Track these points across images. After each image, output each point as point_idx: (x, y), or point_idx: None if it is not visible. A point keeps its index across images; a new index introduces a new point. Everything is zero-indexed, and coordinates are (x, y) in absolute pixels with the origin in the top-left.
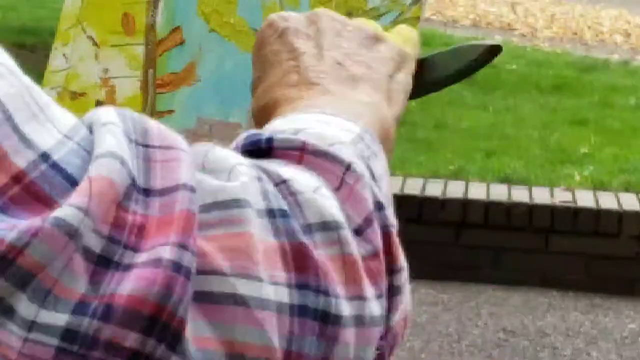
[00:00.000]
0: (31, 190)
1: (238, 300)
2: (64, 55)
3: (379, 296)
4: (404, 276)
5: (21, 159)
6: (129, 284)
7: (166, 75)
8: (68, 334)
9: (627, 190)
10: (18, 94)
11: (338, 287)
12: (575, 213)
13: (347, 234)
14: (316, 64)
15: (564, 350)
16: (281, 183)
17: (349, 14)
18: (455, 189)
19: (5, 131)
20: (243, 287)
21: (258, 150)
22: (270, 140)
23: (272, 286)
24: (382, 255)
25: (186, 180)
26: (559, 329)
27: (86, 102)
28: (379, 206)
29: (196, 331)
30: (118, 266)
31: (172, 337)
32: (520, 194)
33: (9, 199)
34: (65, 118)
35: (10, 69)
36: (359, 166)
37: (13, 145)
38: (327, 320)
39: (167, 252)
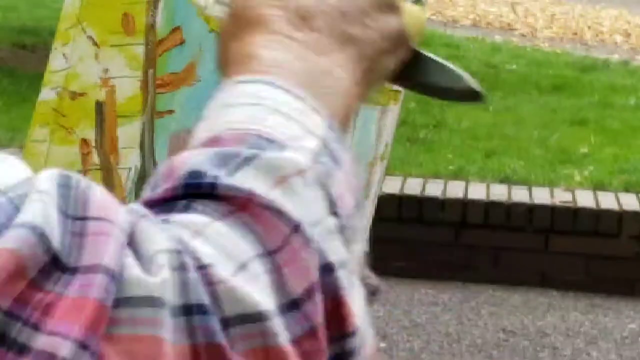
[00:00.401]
0: None
1: None
2: (64, 55)
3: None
4: (358, 338)
5: None
6: None
7: (166, 75)
8: None
9: (627, 190)
10: None
11: None
12: (575, 213)
13: (273, 323)
14: None
15: (564, 350)
16: (202, 268)
17: None
18: (455, 189)
19: None
20: None
21: (198, 193)
22: (214, 186)
23: None
24: (321, 331)
25: (109, 263)
26: (559, 329)
27: (86, 102)
28: (329, 268)
29: None
30: (14, 344)
31: None
32: (520, 194)
33: None
34: (11, 173)
35: None
36: (308, 229)
37: None
38: None
39: (64, 349)
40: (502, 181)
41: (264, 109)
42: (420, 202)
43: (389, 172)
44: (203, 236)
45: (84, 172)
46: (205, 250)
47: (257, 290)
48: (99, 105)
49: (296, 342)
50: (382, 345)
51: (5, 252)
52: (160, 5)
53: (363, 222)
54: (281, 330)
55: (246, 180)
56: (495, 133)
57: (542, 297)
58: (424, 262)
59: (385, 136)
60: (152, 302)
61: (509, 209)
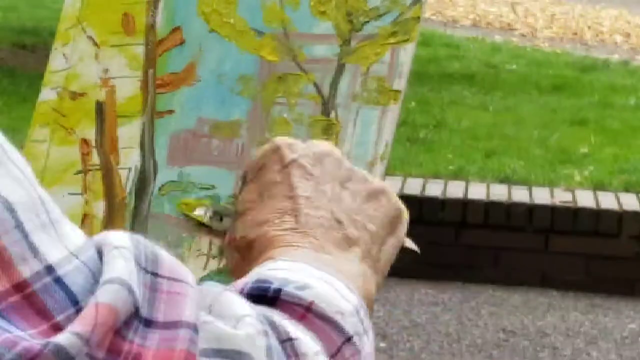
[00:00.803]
0: (32, 301)
1: None
2: (64, 55)
3: None
4: None
5: (26, 268)
6: None
7: (166, 75)
8: None
9: (627, 190)
10: (32, 203)
11: None
12: (575, 213)
13: None
14: (314, 213)
15: (564, 350)
16: (287, 340)
17: (349, 14)
18: (455, 189)
19: (15, 237)
20: None
21: (264, 297)
22: (278, 291)
23: None
24: None
25: (189, 318)
26: (559, 329)
27: (86, 102)
28: None
29: None
30: None
31: None
32: (520, 194)
33: (8, 306)
34: (74, 236)
35: (28, 176)
36: (358, 341)
37: (20, 252)
38: None
39: None
40: (502, 181)
41: (314, 273)
42: (420, 202)
43: (389, 172)
44: (280, 317)
45: (84, 172)
46: (289, 327)
47: None
48: (99, 105)
49: None
50: (382, 345)
51: (106, 307)
52: (160, 5)
53: None
54: None
55: (307, 295)
56: (495, 133)
57: (542, 297)
58: (424, 262)
59: (385, 136)
60: (240, 355)
61: (509, 209)
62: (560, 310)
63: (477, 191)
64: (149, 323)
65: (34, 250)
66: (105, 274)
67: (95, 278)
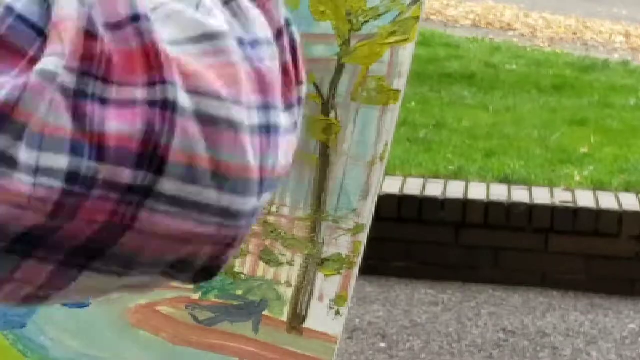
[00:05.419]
0: (4, 45)
1: (231, 125)
2: None
3: (291, 106)
4: (303, 91)
5: None
6: (113, 124)
7: None
8: (70, 176)
9: (627, 190)
10: None
11: (279, 100)
12: (575, 213)
13: (275, 48)
14: None
15: (564, 350)
16: (231, 1)
17: (349, 14)
18: (455, 189)
19: None
20: (236, 113)
21: None
22: None
23: (250, 110)
24: (292, 67)
25: (142, 10)
26: (559, 329)
27: None
28: (287, 22)
29: (188, 148)
30: (93, 97)
31: (159, 164)
32: (520, 194)
33: None
34: None
35: None
36: None
37: None
38: (276, 133)
39: (139, 93)
40: (502, 181)
41: None
42: (420, 202)
43: (389, 172)
44: None
45: None
46: None
47: (265, 24)
48: None
49: (285, 69)
50: (382, 345)
51: (66, 19)
52: None
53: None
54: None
55: None
56: (495, 133)
57: (542, 297)
58: (424, 262)
59: (385, 136)
60: (224, 35)
61: (509, 209)
62: (560, 310)
63: (477, 191)
64: (106, 26)
65: None
66: None
67: (43, 3)
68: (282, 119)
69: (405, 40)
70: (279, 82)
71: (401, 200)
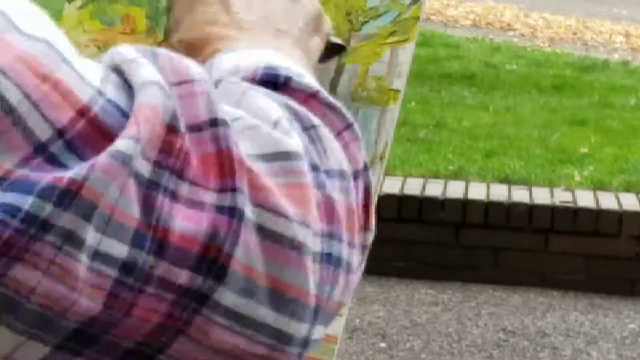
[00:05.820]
0: (95, 123)
1: (295, 245)
2: None
3: (359, 246)
4: (369, 239)
5: (84, 94)
6: (179, 221)
7: None
8: (126, 267)
9: (627, 190)
10: (61, 37)
11: (345, 233)
12: (575, 213)
13: (353, 185)
14: (245, 11)
15: (564, 350)
16: (312, 128)
17: (348, 14)
18: (455, 189)
19: (66, 70)
20: (301, 234)
21: (274, 83)
22: (288, 79)
23: (315, 236)
24: (361, 212)
25: (221, 116)
26: (559, 329)
27: None
28: (365, 167)
29: (249, 261)
30: (165, 191)
31: (219, 271)
32: (520, 194)
33: (77, 133)
34: (89, 61)
35: (44, 14)
36: (357, 128)
37: (74, 82)
38: (338, 265)
39: (209, 196)
40: (502, 181)
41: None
42: (420, 202)
43: (389, 172)
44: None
45: None
46: (310, 115)
47: (344, 157)
48: None
49: (352, 208)
50: (382, 345)
51: (146, 105)
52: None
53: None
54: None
55: (313, 84)
56: (495, 133)
57: (542, 297)
58: (424, 262)
59: (385, 136)
60: (297, 156)
61: (509, 209)
62: (560, 310)
63: (477, 191)
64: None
65: (82, 77)
66: (135, 81)
67: (129, 91)
68: (345, 254)
69: (405, 40)
70: (346, 217)
71: (401, 200)
